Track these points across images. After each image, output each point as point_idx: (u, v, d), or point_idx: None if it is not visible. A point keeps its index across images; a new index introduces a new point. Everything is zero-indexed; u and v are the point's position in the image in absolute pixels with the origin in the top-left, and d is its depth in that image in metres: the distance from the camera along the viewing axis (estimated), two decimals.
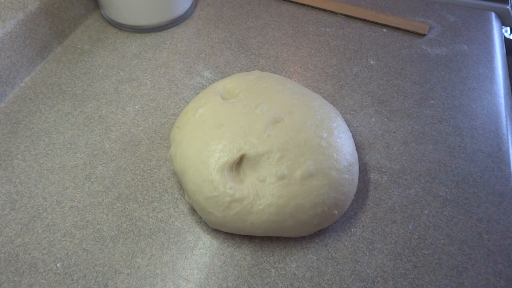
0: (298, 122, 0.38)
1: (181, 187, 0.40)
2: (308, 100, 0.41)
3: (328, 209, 0.36)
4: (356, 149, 0.44)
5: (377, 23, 0.60)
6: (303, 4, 0.62)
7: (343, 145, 0.38)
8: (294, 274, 0.35)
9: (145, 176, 0.41)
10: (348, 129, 0.41)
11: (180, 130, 0.40)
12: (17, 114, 0.46)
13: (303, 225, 0.36)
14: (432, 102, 0.50)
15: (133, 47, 0.54)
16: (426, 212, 0.40)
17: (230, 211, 0.35)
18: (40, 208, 0.38)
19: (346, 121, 0.47)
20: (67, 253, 0.36)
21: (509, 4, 0.63)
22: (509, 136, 0.47)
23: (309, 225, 0.36)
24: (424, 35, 0.58)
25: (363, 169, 0.43)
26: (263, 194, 0.35)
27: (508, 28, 0.67)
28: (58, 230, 0.37)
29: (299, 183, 0.35)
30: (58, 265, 0.35)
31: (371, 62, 0.55)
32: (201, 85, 0.50)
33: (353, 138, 0.41)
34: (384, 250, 0.37)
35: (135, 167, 0.42)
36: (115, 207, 0.39)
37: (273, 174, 0.35)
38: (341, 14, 0.61)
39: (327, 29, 0.59)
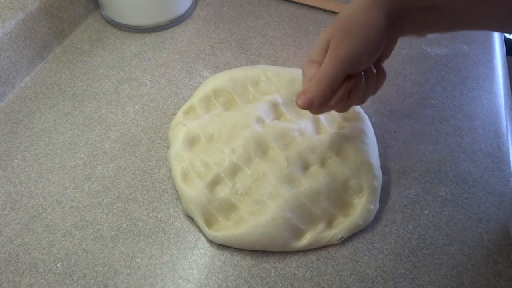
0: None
1: None
2: None
3: None
4: None
5: None
6: (303, 4, 0.62)
7: None
8: (294, 274, 0.35)
9: (145, 176, 0.41)
10: None
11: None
12: (17, 114, 0.46)
13: None
14: (432, 102, 0.50)
15: (133, 47, 0.54)
16: (426, 212, 0.40)
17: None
18: (40, 208, 0.38)
19: None
20: (67, 253, 0.35)
21: None
22: (509, 136, 0.47)
23: None
24: (424, 35, 0.58)
25: None
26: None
27: None
28: (58, 230, 0.37)
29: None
30: (58, 265, 0.35)
31: None
32: None
33: None
34: (384, 250, 0.37)
35: (135, 167, 0.42)
36: (115, 207, 0.39)
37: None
38: None
39: None
